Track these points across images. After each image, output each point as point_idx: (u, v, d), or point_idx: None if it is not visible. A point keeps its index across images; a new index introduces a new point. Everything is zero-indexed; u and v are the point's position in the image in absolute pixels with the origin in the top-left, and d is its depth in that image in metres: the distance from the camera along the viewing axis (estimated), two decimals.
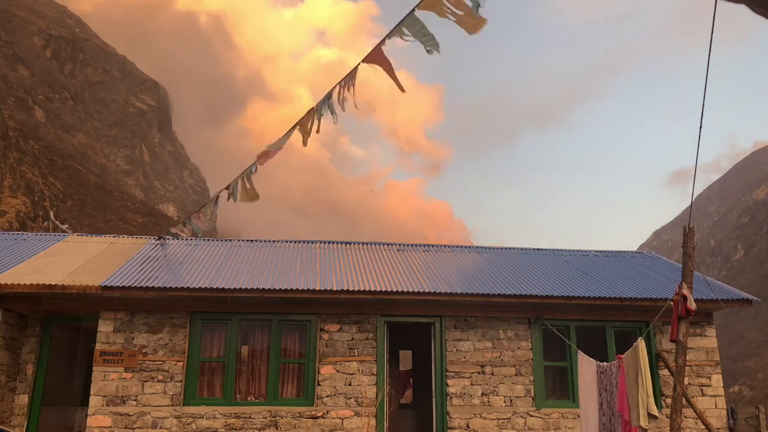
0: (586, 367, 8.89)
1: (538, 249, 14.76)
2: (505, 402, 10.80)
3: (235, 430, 10.16)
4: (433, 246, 14.64)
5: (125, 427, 10.02)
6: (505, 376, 10.92)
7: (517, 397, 10.84)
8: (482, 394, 10.79)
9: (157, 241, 13.64)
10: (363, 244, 14.18)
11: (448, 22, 6.19)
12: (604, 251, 14.93)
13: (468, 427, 10.61)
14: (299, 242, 14.02)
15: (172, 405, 10.18)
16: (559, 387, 11.36)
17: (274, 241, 14.04)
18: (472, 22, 6.05)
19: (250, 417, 10.23)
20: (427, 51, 6.54)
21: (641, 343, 7.63)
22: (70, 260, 11.54)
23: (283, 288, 10.44)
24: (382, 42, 6.81)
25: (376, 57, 6.88)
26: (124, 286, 10.10)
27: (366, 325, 10.87)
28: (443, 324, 11.06)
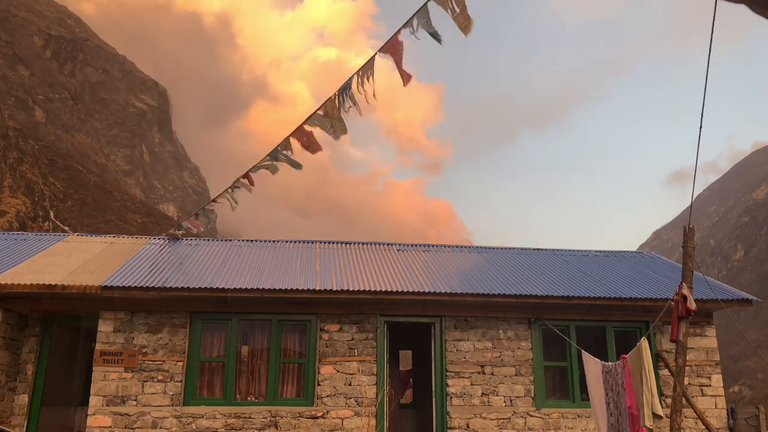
0: (592, 367, 8.89)
1: (538, 249, 14.76)
2: (505, 402, 10.80)
3: (235, 430, 10.16)
4: (433, 246, 14.63)
5: (125, 427, 10.02)
6: (505, 376, 10.92)
7: (517, 397, 10.84)
8: (482, 394, 10.79)
9: (168, 237, 13.67)
10: (363, 244, 14.18)
11: (447, 22, 6.24)
12: (604, 251, 14.93)
13: (468, 427, 10.60)
14: (299, 242, 14.02)
15: (172, 405, 10.18)
16: (559, 387, 11.36)
17: (274, 241, 14.04)
18: (464, 21, 6.10)
19: (250, 417, 10.23)
20: (436, 38, 6.62)
21: (644, 343, 7.62)
22: (70, 260, 11.53)
23: (283, 288, 10.44)
24: (398, 31, 6.85)
25: (392, 46, 6.94)
26: (124, 286, 10.10)
27: (366, 325, 10.87)
28: (443, 324, 11.06)
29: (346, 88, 7.77)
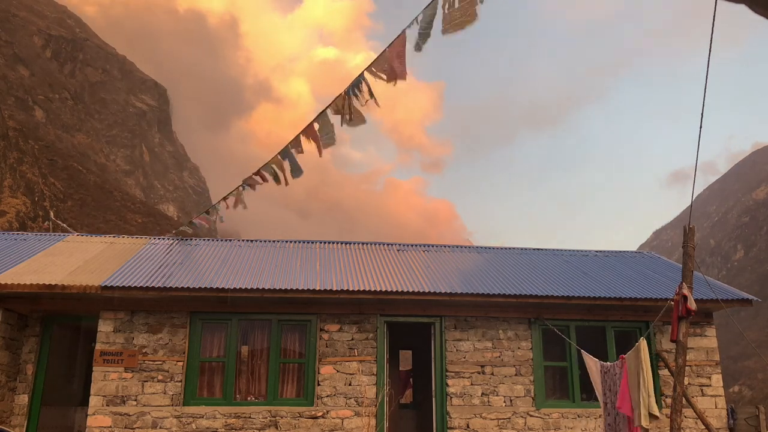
0: (592, 367, 8.90)
1: (538, 249, 14.75)
2: (505, 402, 10.80)
3: (235, 430, 10.16)
4: (433, 246, 14.63)
5: (125, 427, 10.02)
6: (505, 376, 10.92)
7: (517, 397, 10.84)
8: (482, 394, 10.79)
9: (176, 237, 13.66)
10: (363, 244, 14.18)
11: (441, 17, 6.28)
12: (604, 251, 14.92)
13: (468, 427, 10.60)
14: (299, 242, 14.01)
15: (172, 405, 10.18)
16: (559, 387, 11.36)
17: (274, 241, 14.04)
18: (458, 19, 6.09)
19: (250, 417, 10.23)
20: (418, 42, 6.64)
21: (643, 343, 7.63)
22: (70, 260, 11.53)
23: (283, 288, 10.44)
24: (408, 26, 6.87)
25: (400, 43, 6.97)
26: (124, 286, 10.10)
27: (366, 325, 10.86)
28: (443, 324, 11.06)
29: (358, 83, 7.77)
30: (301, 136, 9.15)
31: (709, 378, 11.32)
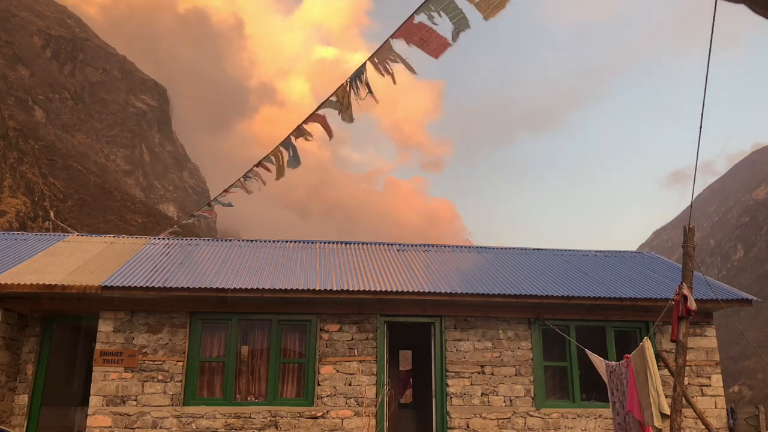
0: (601, 366, 8.89)
1: (538, 249, 14.75)
2: (505, 402, 10.80)
3: (235, 430, 10.15)
4: (433, 246, 14.63)
5: (125, 427, 10.02)
6: (505, 376, 10.92)
7: (517, 397, 10.84)
8: (482, 394, 10.79)
9: (170, 236, 13.66)
10: (363, 244, 14.18)
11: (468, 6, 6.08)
12: (604, 251, 14.92)
13: (468, 427, 10.60)
14: (299, 242, 14.01)
15: (172, 405, 10.18)
16: (559, 387, 11.36)
17: (274, 241, 14.04)
18: (492, 3, 5.91)
19: (250, 417, 10.23)
20: (454, 31, 6.46)
21: (647, 343, 7.61)
22: (70, 260, 11.53)
23: (283, 288, 10.43)
24: (412, 16, 6.72)
25: (407, 30, 6.79)
26: (124, 286, 10.10)
27: (366, 325, 10.86)
28: (443, 324, 11.05)
29: (359, 74, 7.64)
30: (302, 126, 9.03)
31: (709, 378, 11.32)
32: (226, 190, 12.13)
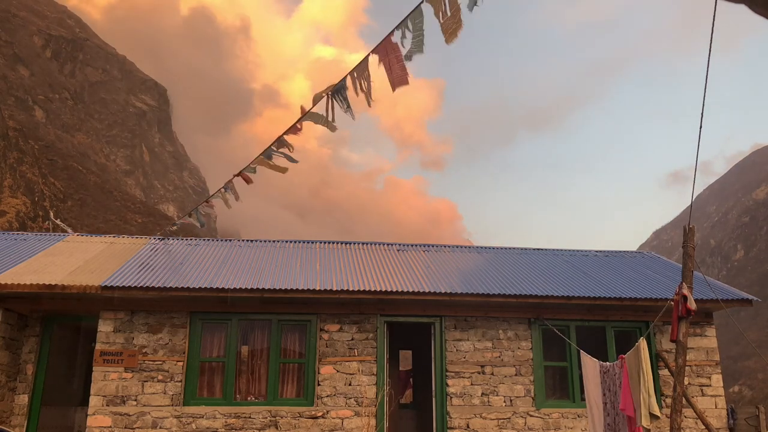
0: (590, 367, 8.89)
1: (538, 249, 14.75)
2: (505, 402, 10.80)
3: (235, 430, 10.16)
4: (433, 246, 14.63)
5: (125, 427, 10.02)
6: (505, 376, 10.92)
7: (517, 397, 10.84)
8: (482, 394, 10.79)
9: (161, 237, 13.65)
10: (363, 244, 14.18)
11: (434, 25, 6.19)
12: (604, 251, 14.92)
13: (468, 427, 10.60)
14: (299, 242, 14.02)
15: (172, 405, 10.18)
16: (559, 387, 11.36)
17: (274, 241, 14.04)
18: (452, 27, 6.02)
19: (250, 417, 10.23)
20: (408, 52, 6.53)
21: (643, 343, 7.63)
22: (70, 260, 11.53)
23: (283, 288, 10.43)
24: (391, 33, 6.76)
25: (384, 48, 6.84)
26: (124, 286, 10.10)
27: (366, 325, 10.86)
28: (443, 324, 11.06)
29: (340, 89, 7.67)
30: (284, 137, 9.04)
31: (709, 378, 11.32)
32: (207, 201, 12.14)
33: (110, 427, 9.99)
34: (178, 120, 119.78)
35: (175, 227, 13.77)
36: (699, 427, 10.87)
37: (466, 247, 15.27)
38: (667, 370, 11.11)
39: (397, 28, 6.69)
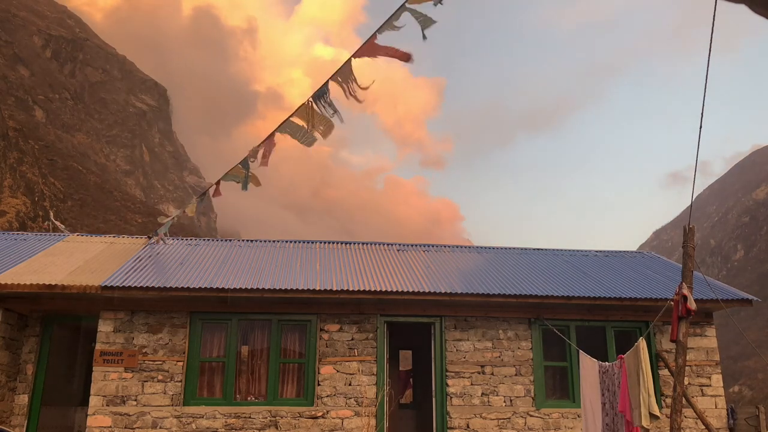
0: (589, 368, 8.88)
1: (538, 249, 14.75)
2: (505, 402, 10.80)
3: (235, 430, 10.15)
4: (433, 246, 14.63)
5: (125, 427, 10.02)
6: (505, 376, 10.92)
7: (517, 397, 10.84)
8: (482, 394, 10.79)
9: (151, 240, 13.61)
10: (363, 244, 14.18)
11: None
12: (604, 251, 14.92)
13: (468, 427, 10.60)
14: (299, 242, 14.02)
15: (172, 405, 10.18)
16: (559, 387, 11.36)
17: (274, 241, 14.04)
18: (425, 23, 6.16)
19: (250, 417, 10.23)
20: (423, 31, 6.61)
21: (642, 343, 7.62)
22: (70, 260, 11.53)
23: (283, 288, 10.43)
24: (373, 36, 6.80)
25: (369, 49, 6.87)
26: (124, 286, 10.10)
27: (366, 325, 10.86)
28: (443, 324, 11.06)
29: (322, 95, 7.66)
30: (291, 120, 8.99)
31: (709, 378, 11.32)
32: (184, 211, 12.24)
33: (110, 427, 9.99)
34: (179, 120, 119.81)
35: (168, 221, 13.68)
36: (699, 427, 10.87)
37: (466, 247, 15.27)
38: (667, 370, 11.11)
39: (378, 32, 6.75)
